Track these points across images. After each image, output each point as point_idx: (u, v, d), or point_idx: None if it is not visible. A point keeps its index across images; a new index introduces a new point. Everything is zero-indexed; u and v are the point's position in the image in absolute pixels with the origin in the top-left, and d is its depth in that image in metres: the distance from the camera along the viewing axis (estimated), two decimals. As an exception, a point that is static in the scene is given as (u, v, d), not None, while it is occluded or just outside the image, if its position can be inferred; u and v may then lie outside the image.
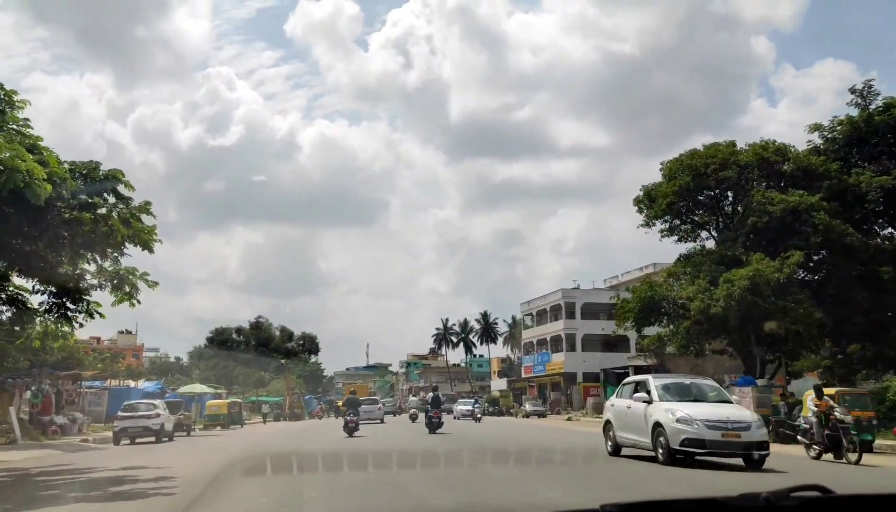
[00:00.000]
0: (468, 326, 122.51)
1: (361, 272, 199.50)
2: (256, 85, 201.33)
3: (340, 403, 37.97)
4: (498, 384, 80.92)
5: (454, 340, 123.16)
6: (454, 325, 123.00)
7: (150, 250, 13.60)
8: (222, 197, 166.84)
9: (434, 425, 27.11)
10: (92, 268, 14.17)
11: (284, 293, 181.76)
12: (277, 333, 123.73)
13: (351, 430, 25.60)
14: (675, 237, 29.51)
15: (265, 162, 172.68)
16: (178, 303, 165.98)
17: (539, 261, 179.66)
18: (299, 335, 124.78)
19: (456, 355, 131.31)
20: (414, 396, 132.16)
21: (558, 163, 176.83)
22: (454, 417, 45.28)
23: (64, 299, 14.23)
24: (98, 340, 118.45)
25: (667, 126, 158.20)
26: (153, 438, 25.31)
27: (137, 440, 25.35)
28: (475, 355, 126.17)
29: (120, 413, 25.71)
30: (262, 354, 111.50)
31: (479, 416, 41.22)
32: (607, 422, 16.30)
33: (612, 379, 56.04)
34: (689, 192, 26.90)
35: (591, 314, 63.70)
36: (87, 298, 14.49)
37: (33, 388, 25.83)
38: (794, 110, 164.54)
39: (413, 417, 42.40)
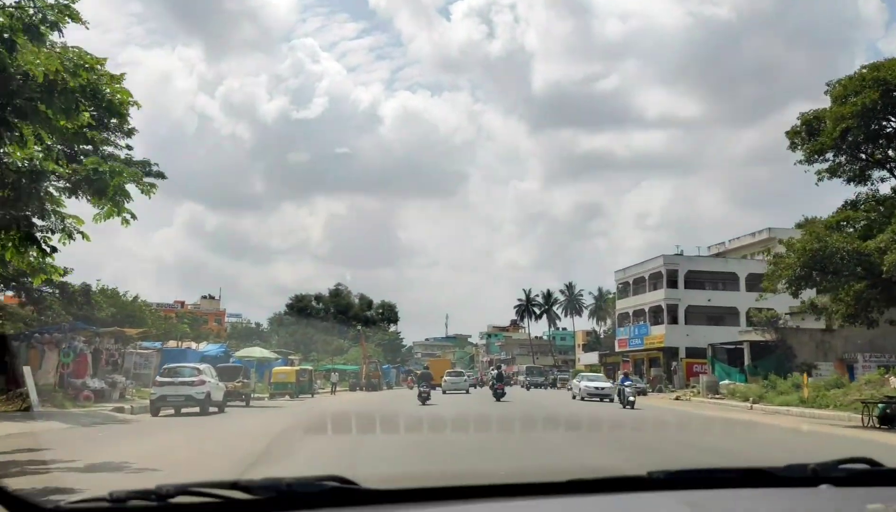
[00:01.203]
0: (552, 298, 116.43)
1: (441, 244, 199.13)
2: (339, 57, 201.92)
3: (416, 376, 38.51)
4: (588, 358, 74.59)
5: (537, 311, 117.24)
6: (537, 296, 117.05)
7: (124, 120, 8.65)
8: (306, 168, 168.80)
9: (498, 395, 31.47)
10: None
11: (365, 264, 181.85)
12: (356, 300, 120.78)
13: (424, 399, 28.13)
14: (843, 178, 22.92)
15: (348, 134, 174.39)
16: (262, 271, 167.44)
17: (621, 235, 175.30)
18: (378, 304, 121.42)
19: (537, 328, 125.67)
20: (495, 368, 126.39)
21: (644, 134, 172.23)
22: (577, 397, 36.62)
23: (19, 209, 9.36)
24: (182, 303, 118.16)
25: (762, 95, 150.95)
26: (197, 409, 20.73)
27: (183, 411, 20.89)
28: (558, 328, 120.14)
29: (158, 379, 21.10)
30: (341, 322, 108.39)
31: (631, 398, 27.52)
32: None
33: (722, 355, 49.18)
34: (875, 113, 20.32)
35: (696, 283, 56.75)
36: (55, 207, 9.64)
37: (64, 346, 21.58)
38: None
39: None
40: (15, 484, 6.88)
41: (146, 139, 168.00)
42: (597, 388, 36.05)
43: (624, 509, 1.56)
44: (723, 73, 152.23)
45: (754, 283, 56.52)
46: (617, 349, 62.61)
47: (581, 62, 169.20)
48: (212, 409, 21.75)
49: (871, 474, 1.77)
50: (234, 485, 1.54)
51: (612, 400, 32.49)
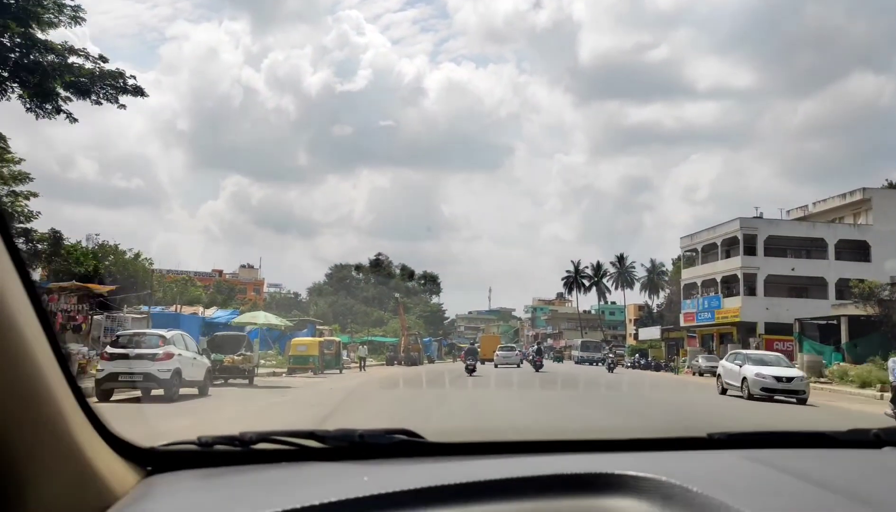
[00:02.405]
0: (602, 270, 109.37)
1: (485, 218, 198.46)
2: (384, 29, 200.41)
3: (462, 355, 39.58)
4: (647, 333, 67.51)
5: (586, 283, 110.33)
6: (586, 268, 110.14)
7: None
8: (350, 141, 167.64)
9: (537, 366, 35.44)
10: None
11: (408, 237, 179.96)
12: (398, 271, 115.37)
13: (470, 371, 29.90)
14: None
15: (392, 106, 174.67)
16: (306, 244, 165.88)
17: (668, 209, 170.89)
18: (420, 274, 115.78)
19: (585, 302, 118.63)
20: (535, 344, 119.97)
21: (694, 105, 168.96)
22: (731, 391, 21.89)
23: None
24: (220, 272, 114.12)
25: (821, 64, 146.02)
26: (161, 392, 14.91)
27: (152, 393, 15.13)
28: (606, 302, 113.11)
29: (107, 350, 15.06)
30: (382, 293, 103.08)
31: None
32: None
33: (812, 331, 42.02)
34: None
35: (777, 251, 49.41)
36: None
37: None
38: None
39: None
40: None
41: (192, 113, 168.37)
42: (780, 379, 20.28)
43: (684, 465, 1.47)
44: (779, 41, 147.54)
45: (846, 250, 48.95)
46: (682, 323, 55.59)
47: (630, 32, 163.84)
48: (187, 390, 15.94)
49: None
50: (311, 434, 1.60)
51: (802, 400, 20.24)
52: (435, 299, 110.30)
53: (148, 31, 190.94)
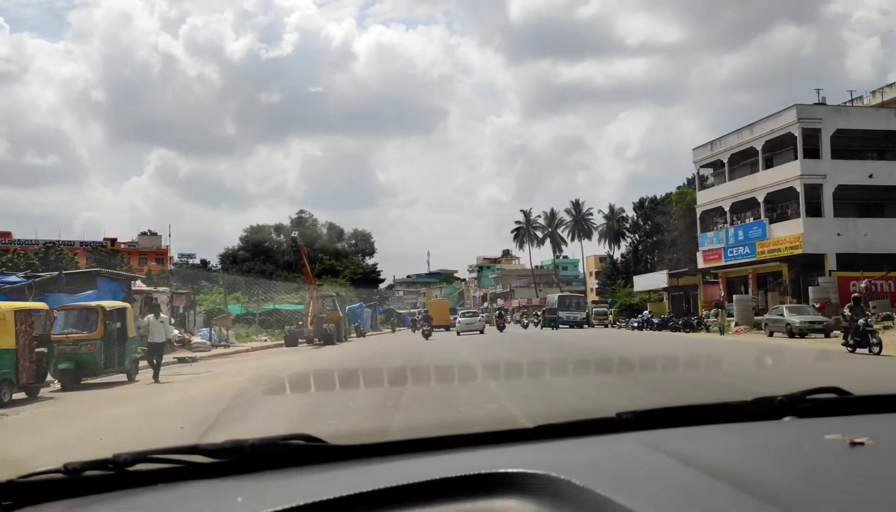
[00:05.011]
0: (556, 219, 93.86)
1: (421, 182, 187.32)
2: None
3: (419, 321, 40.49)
4: (644, 282, 49.62)
5: (539, 234, 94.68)
6: (538, 217, 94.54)
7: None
8: (279, 109, 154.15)
9: (501, 327, 38.50)
10: None
11: (344, 205, 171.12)
12: (325, 230, 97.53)
13: (426, 335, 31.52)
14: None
15: (321, 72, 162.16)
16: (239, 218, 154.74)
17: (602, 167, 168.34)
18: (350, 233, 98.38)
19: (535, 258, 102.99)
20: (488, 302, 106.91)
21: (624, 62, 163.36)
22: None
23: None
24: (113, 241, 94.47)
25: (745, 16, 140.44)
26: None
27: None
28: (561, 254, 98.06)
29: None
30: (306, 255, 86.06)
31: None
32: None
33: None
34: None
35: (845, 152, 33.85)
36: None
37: None
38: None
39: None
40: None
41: (108, 83, 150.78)
42: None
43: (583, 455, 1.45)
44: None
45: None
46: (701, 265, 39.52)
47: None
48: None
49: (837, 404, 1.72)
50: (193, 449, 1.42)
51: None
52: (368, 260, 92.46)
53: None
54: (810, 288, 29.72)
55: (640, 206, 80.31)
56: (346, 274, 77.63)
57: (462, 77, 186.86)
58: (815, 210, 32.70)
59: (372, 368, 13.45)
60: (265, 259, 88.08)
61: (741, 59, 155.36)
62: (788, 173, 33.16)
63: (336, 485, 1.18)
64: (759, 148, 35.04)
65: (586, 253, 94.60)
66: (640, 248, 79.30)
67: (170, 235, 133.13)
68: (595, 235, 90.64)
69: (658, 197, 77.16)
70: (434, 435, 1.60)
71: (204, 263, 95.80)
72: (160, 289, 24.63)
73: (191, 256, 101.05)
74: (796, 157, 33.08)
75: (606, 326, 48.38)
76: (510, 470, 1.22)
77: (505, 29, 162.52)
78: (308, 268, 33.41)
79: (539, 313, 50.46)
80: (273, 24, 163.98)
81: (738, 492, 1.07)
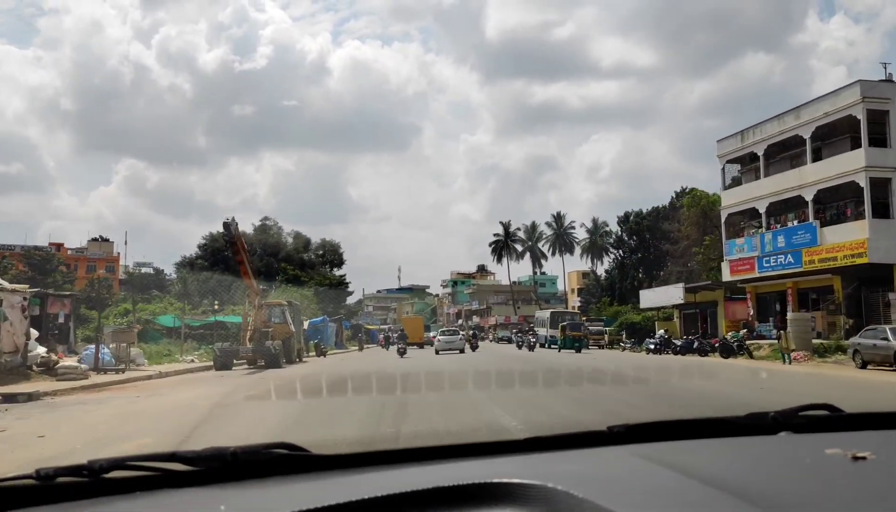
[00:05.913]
0: (537, 232, 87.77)
1: (393, 199, 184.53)
2: (285, 5, 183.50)
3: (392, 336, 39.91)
4: (651, 298, 42.70)
5: (518, 248, 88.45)
6: (518, 230, 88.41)
7: None
8: (252, 122, 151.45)
9: (474, 347, 38.10)
10: None
11: (315, 220, 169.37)
12: (290, 239, 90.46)
13: (401, 353, 31.54)
14: None
15: (295, 86, 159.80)
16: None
17: (573, 188, 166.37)
18: (318, 243, 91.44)
19: (509, 274, 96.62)
20: (463, 320, 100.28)
21: (598, 84, 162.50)
22: None
23: None
24: (59, 246, 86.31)
25: (717, 44, 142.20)
26: None
27: None
28: (541, 269, 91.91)
29: None
30: (269, 265, 78.70)
31: None
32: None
33: None
34: None
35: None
36: None
37: None
38: (852, 26, 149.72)
39: None
40: None
41: (77, 91, 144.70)
42: None
43: (578, 466, 1.42)
44: (679, 19, 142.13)
45: None
46: (727, 277, 33.07)
47: (537, 8, 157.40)
48: None
49: (830, 420, 1.71)
50: (172, 456, 1.36)
51: None
52: (336, 272, 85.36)
53: (25, 5, 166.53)
54: (829, 306, 23.42)
55: (624, 220, 74.68)
56: (311, 285, 70.55)
57: (436, 95, 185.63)
58: (882, 210, 26.57)
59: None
60: (224, 268, 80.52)
61: (711, 84, 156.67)
62: (848, 165, 27.05)
63: (320, 495, 1.14)
64: (806, 136, 28.84)
65: (567, 269, 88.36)
66: (625, 263, 73.75)
67: (125, 243, 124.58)
68: (577, 250, 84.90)
69: (644, 211, 71.89)
70: (422, 445, 1.53)
71: (157, 271, 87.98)
72: (7, 286, 17.36)
73: (146, 264, 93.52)
74: (854, 147, 26.99)
75: (602, 347, 42.04)
76: (504, 480, 1.16)
77: (480, 48, 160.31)
78: (247, 264, 25.59)
79: (532, 331, 43.20)
80: (247, 36, 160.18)
81: (745, 504, 1.04)
